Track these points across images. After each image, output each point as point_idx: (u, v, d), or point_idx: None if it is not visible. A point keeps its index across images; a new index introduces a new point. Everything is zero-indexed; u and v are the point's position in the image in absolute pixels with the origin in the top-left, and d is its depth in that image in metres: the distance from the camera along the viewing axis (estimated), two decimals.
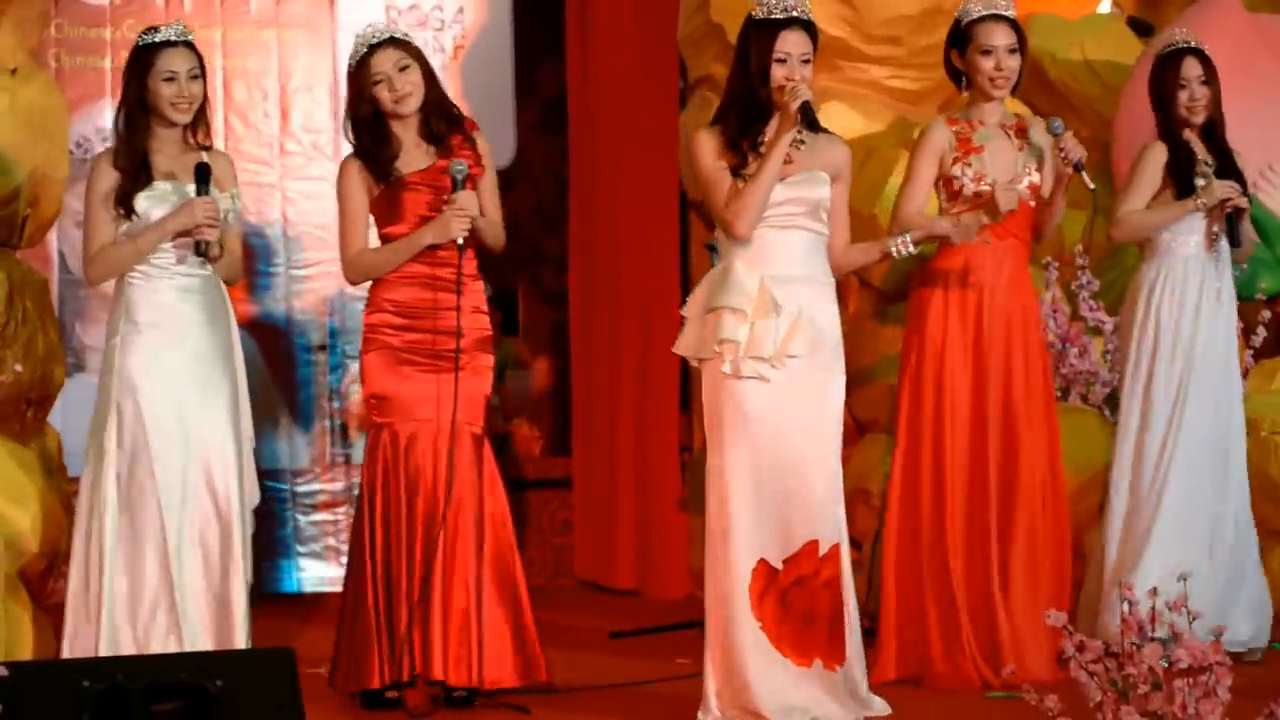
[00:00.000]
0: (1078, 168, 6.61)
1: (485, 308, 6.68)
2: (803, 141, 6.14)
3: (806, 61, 6.12)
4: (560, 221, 9.83)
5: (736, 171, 6.10)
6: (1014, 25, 6.76)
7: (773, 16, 6.13)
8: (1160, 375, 7.09)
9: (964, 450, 6.77)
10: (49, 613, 7.15)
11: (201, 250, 6.30)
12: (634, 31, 9.23)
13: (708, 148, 6.16)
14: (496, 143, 9.48)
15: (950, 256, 6.80)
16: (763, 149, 6.11)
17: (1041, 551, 6.81)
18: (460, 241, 6.47)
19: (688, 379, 9.26)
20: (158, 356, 6.37)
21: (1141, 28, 9.01)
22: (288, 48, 9.61)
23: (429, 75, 6.63)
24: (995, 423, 6.77)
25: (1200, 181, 6.98)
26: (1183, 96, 7.08)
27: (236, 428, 6.44)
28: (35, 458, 7.12)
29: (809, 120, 6.04)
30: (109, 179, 6.38)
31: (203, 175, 6.32)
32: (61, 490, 7.26)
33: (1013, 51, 6.73)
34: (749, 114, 6.12)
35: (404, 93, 6.54)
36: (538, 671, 6.62)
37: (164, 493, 6.32)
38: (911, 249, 6.23)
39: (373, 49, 6.59)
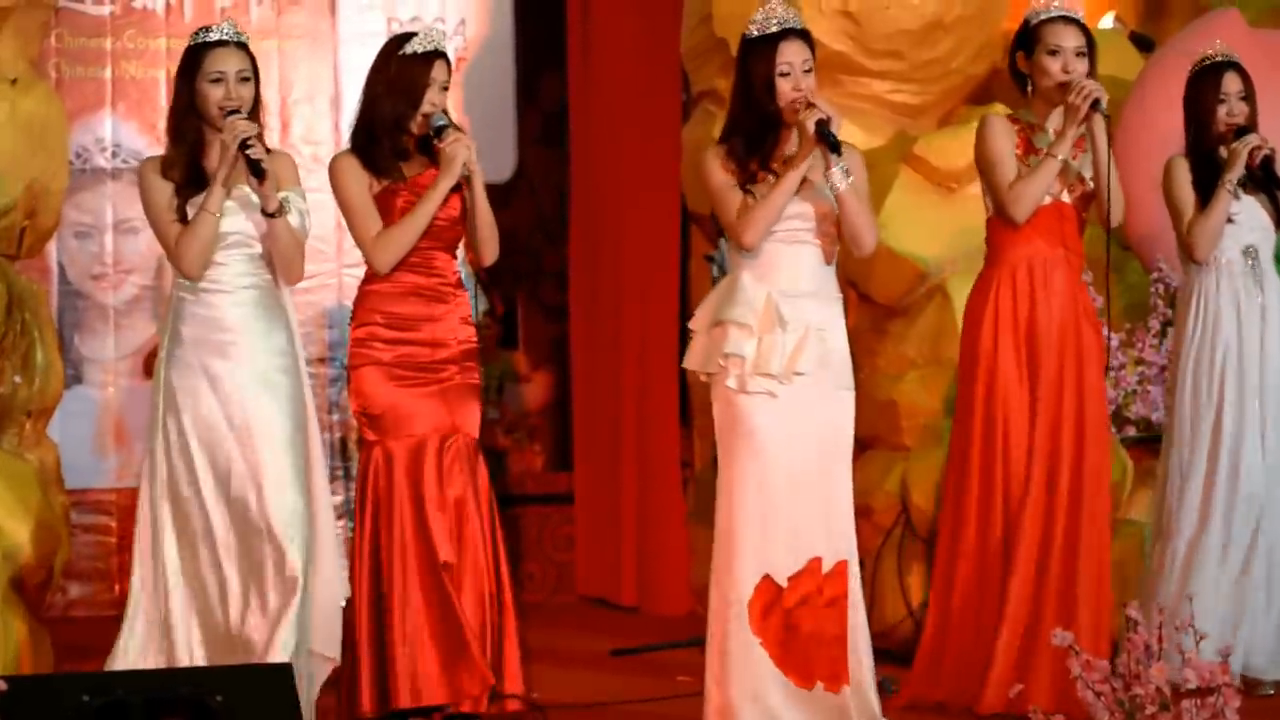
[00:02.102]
0: (1095, 105, 6.41)
1: (471, 319, 6.51)
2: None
3: (809, 71, 6.12)
4: (561, 234, 9.81)
5: (744, 186, 6.10)
6: (1083, 28, 6.61)
7: (768, 31, 6.13)
8: (1202, 395, 6.98)
9: (1021, 464, 6.59)
10: (46, 625, 7.12)
11: (255, 168, 5.98)
12: (636, 44, 9.22)
13: (716, 164, 6.16)
14: (497, 155, 9.50)
15: (1001, 269, 6.64)
16: (775, 166, 6.10)
17: (1098, 567, 6.63)
18: (468, 173, 6.26)
19: (687, 393, 9.24)
20: (207, 374, 6.12)
21: (1143, 43, 8.99)
22: (288, 59, 9.58)
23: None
24: (1051, 439, 6.59)
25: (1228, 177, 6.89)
26: (1221, 111, 6.98)
27: (292, 444, 6.16)
28: (33, 470, 7.10)
29: (829, 141, 6.01)
30: (162, 190, 6.14)
31: (234, 111, 6.07)
32: (60, 503, 7.25)
33: (1080, 55, 6.55)
34: (757, 132, 6.12)
35: (439, 109, 6.35)
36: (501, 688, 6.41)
37: (214, 515, 6.09)
38: (842, 184, 6.08)
39: (439, 55, 6.36)
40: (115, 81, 9.23)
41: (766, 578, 6.04)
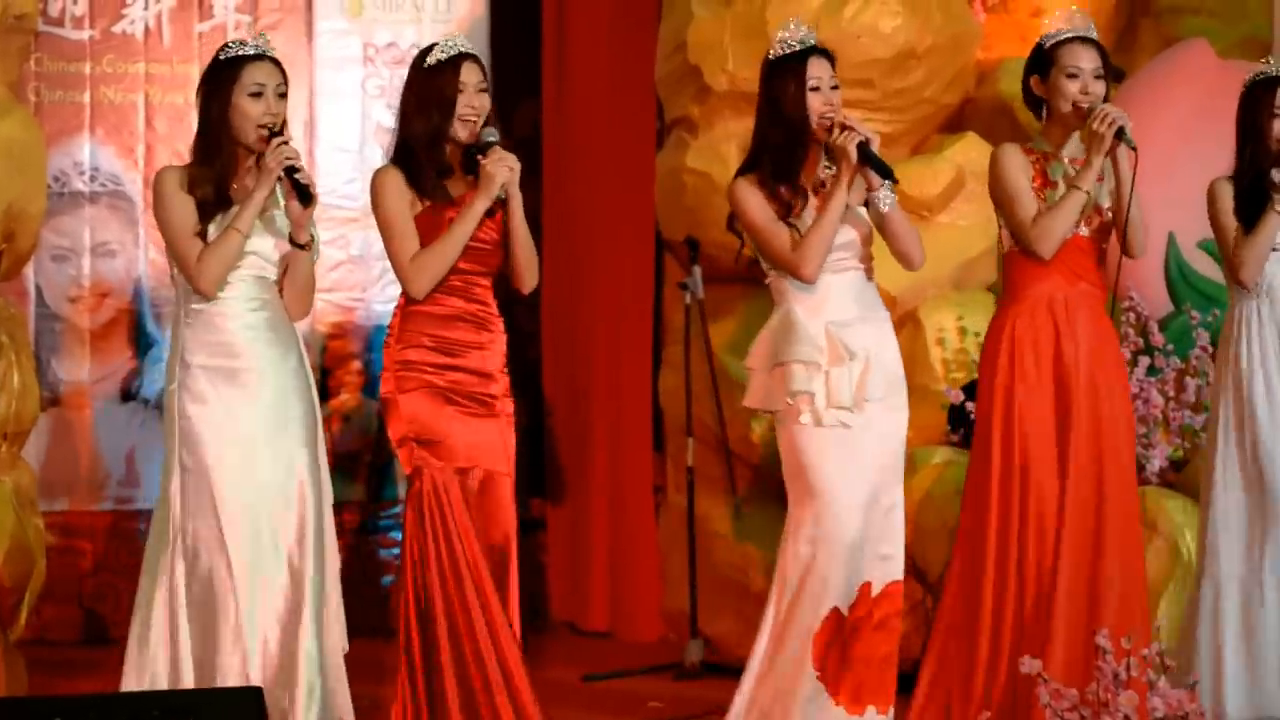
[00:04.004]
0: (1120, 134, 6.15)
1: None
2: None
3: (836, 88, 6.13)
4: None
5: (785, 218, 6.08)
6: (1100, 49, 6.38)
7: (793, 50, 6.12)
8: (1247, 431, 6.63)
9: (1050, 504, 6.25)
10: (19, 647, 7.12)
11: (305, 194, 5.72)
12: (611, 72, 9.25)
13: (753, 199, 6.11)
14: None
15: (1019, 305, 6.34)
16: (804, 184, 6.10)
17: (1139, 607, 6.28)
18: (504, 196, 5.94)
19: (660, 419, 9.26)
20: (221, 401, 5.78)
21: (1113, 74, 9.02)
22: None
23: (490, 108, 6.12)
24: (1088, 483, 6.27)
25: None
26: (1276, 128, 6.66)
27: (315, 477, 5.87)
28: (8, 492, 7.10)
29: (874, 163, 6.01)
30: (184, 204, 5.79)
31: (274, 130, 5.79)
32: (34, 525, 7.24)
33: (1099, 77, 6.31)
34: (786, 154, 6.10)
35: (478, 115, 6.02)
36: None
37: (234, 554, 5.71)
38: (887, 204, 6.10)
39: (465, 57, 6.00)
40: (94, 106, 9.23)
41: (835, 610, 6.00)
